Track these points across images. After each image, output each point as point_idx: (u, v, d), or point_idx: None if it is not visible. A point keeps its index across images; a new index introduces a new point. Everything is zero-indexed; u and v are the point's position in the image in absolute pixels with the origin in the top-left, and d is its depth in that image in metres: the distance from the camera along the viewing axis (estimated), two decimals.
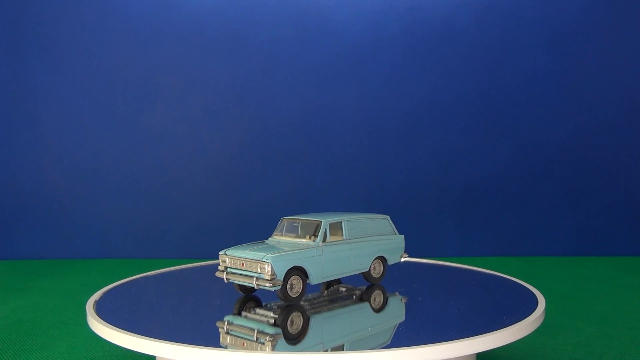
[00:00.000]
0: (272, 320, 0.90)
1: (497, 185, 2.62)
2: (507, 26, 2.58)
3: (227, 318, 0.93)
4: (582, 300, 1.81)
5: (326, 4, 2.60)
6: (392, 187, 2.63)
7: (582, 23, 2.57)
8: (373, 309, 1.00)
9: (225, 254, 1.00)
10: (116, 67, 2.65)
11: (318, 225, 1.03)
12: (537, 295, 1.04)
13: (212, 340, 0.85)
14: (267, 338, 0.82)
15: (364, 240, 1.09)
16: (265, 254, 0.94)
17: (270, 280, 0.92)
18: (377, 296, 1.06)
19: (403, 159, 2.63)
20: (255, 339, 0.82)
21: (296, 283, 0.96)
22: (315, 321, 0.91)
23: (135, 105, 2.65)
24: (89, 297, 1.07)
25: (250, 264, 0.95)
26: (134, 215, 2.65)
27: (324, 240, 1.02)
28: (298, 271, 0.96)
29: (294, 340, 0.83)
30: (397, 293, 1.09)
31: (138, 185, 2.65)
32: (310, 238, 1.01)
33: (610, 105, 2.59)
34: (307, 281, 0.98)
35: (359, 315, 0.98)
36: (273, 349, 0.78)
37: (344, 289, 1.10)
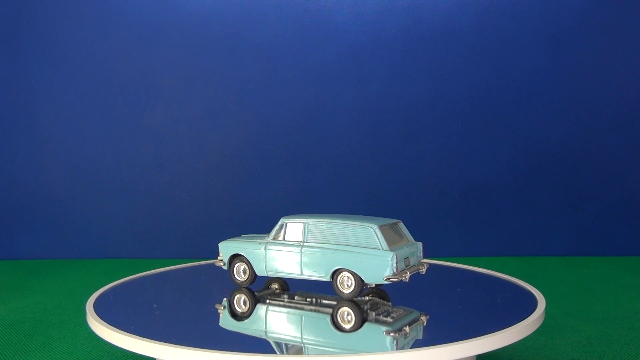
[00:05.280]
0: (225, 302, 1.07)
1: (497, 185, 2.62)
2: (507, 26, 2.58)
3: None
4: (582, 300, 1.81)
5: (326, 4, 2.60)
6: (392, 187, 2.63)
7: (582, 23, 2.57)
8: (333, 322, 0.93)
9: None
10: (116, 67, 2.65)
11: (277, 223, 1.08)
12: (537, 296, 1.04)
13: (211, 341, 0.85)
14: (218, 309, 1.03)
15: (323, 247, 1.01)
16: (222, 241, 1.14)
17: (217, 260, 1.14)
18: (347, 311, 0.96)
19: (403, 158, 2.63)
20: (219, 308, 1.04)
21: (244, 270, 1.10)
22: (259, 309, 1.01)
23: (135, 105, 2.65)
24: (89, 297, 1.07)
25: None
26: (133, 215, 2.65)
27: (279, 238, 1.06)
28: (245, 260, 1.09)
29: (234, 317, 1.00)
30: (391, 315, 0.95)
31: (138, 185, 2.65)
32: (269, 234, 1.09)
33: (610, 105, 2.59)
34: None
35: (301, 319, 0.97)
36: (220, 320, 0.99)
37: (366, 298, 1.02)
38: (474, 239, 2.62)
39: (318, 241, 1.02)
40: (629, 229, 2.61)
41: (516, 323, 0.87)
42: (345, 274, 0.99)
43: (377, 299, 1.02)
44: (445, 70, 2.60)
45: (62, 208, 2.66)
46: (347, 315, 0.95)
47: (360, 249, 0.99)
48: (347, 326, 0.91)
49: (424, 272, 1.04)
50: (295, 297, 1.05)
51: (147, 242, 2.64)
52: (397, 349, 0.81)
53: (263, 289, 1.11)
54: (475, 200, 2.62)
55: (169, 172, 2.66)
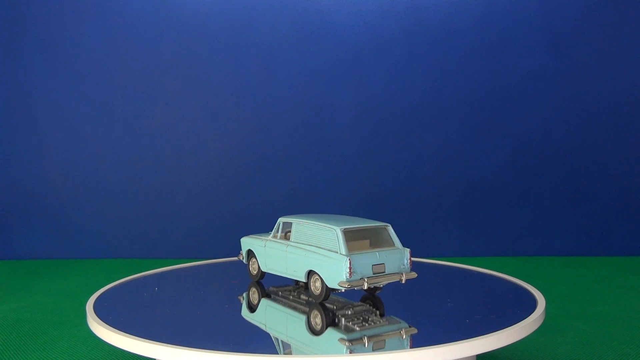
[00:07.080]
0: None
1: (497, 185, 2.62)
2: (507, 26, 2.58)
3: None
4: (582, 300, 1.81)
5: (326, 3, 2.60)
6: (392, 187, 2.63)
7: (582, 23, 2.57)
8: (308, 325, 0.92)
9: None
10: (116, 67, 2.65)
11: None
12: (536, 296, 1.04)
13: (211, 342, 0.85)
14: (240, 298, 1.11)
15: (302, 248, 1.00)
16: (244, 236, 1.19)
17: (239, 255, 1.20)
18: (315, 314, 0.95)
19: (403, 159, 2.63)
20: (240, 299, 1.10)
21: (254, 264, 1.15)
22: (262, 303, 1.06)
23: (135, 105, 2.65)
24: (89, 297, 1.07)
25: None
26: (133, 215, 2.65)
27: (276, 237, 1.10)
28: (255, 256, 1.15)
29: (249, 308, 1.05)
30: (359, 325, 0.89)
31: (138, 185, 2.65)
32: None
33: (610, 105, 2.59)
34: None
35: (285, 317, 0.98)
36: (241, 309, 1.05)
37: (357, 303, 0.99)
38: (473, 239, 2.62)
39: (299, 241, 1.03)
40: (629, 229, 2.60)
41: (516, 323, 0.88)
42: (316, 276, 0.97)
43: (366, 306, 0.98)
44: (445, 70, 2.60)
45: (62, 208, 2.66)
46: (314, 318, 0.94)
47: (324, 252, 0.95)
48: (316, 329, 0.90)
49: (403, 282, 0.96)
50: (301, 296, 1.05)
51: (147, 242, 2.64)
52: (346, 356, 0.79)
53: (292, 284, 1.12)
54: (474, 200, 2.62)
55: (168, 172, 2.66)
